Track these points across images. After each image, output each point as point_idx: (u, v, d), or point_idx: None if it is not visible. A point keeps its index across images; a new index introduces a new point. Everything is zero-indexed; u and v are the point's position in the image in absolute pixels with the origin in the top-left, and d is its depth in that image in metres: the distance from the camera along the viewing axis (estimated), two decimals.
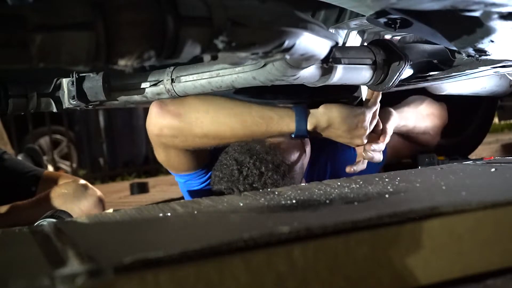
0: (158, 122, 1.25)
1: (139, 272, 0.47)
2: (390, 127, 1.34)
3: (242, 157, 1.27)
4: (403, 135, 1.55)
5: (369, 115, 1.23)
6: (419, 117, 1.52)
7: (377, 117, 1.28)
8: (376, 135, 1.30)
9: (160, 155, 1.38)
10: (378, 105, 1.26)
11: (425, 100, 1.56)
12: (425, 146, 1.60)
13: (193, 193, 1.49)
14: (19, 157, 3.30)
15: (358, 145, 1.27)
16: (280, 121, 1.22)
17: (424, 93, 1.52)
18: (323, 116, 1.21)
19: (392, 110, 1.40)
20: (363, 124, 1.22)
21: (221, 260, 0.50)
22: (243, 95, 1.28)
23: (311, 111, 1.22)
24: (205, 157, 1.40)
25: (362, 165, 1.31)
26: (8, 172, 1.96)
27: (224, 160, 1.30)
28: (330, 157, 1.54)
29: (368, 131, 1.24)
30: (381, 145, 1.29)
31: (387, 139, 1.31)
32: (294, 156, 1.35)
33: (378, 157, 1.29)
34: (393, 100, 1.41)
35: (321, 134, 1.25)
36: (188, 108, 1.22)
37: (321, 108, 1.22)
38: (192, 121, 1.23)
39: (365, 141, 1.26)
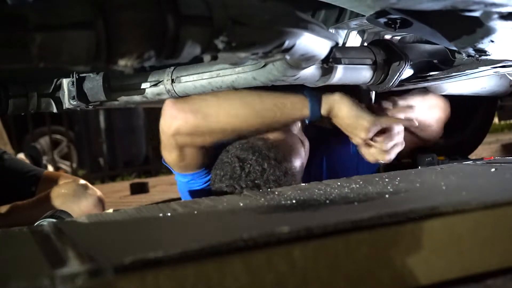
0: (174, 122, 1.24)
1: (139, 272, 0.47)
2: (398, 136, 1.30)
3: (244, 154, 1.27)
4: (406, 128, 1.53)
5: (374, 125, 1.21)
6: (423, 108, 1.51)
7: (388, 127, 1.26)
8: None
9: (172, 157, 1.36)
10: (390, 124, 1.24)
11: (429, 93, 1.55)
12: (428, 141, 1.58)
13: (195, 193, 1.48)
14: (20, 156, 3.30)
15: (356, 144, 1.25)
16: (293, 106, 1.21)
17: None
18: (335, 103, 1.20)
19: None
20: (367, 129, 1.20)
21: (221, 260, 0.50)
22: None
23: (324, 96, 1.21)
24: (210, 155, 1.40)
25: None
26: (8, 172, 1.96)
27: (225, 158, 1.30)
28: (326, 154, 1.54)
29: (370, 135, 1.21)
30: (383, 145, 1.25)
31: (396, 139, 1.27)
32: (295, 153, 1.34)
33: (385, 157, 1.26)
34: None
35: (331, 121, 1.23)
36: (201, 104, 1.22)
37: (336, 95, 1.20)
38: (207, 117, 1.23)
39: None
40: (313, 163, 1.52)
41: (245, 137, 1.34)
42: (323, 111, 1.20)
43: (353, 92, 1.24)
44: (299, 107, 1.20)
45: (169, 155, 1.37)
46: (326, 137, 1.50)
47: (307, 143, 1.42)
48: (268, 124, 1.24)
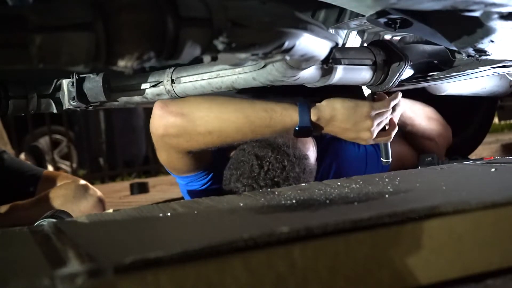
0: (162, 123, 1.24)
1: (139, 272, 0.47)
2: (396, 116, 1.29)
3: (263, 152, 1.25)
4: (408, 140, 1.53)
5: (374, 110, 1.19)
6: (424, 117, 1.50)
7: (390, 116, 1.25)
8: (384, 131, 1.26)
9: (163, 157, 1.37)
10: (387, 108, 1.23)
11: (431, 107, 1.55)
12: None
13: (194, 194, 1.48)
14: (22, 156, 3.30)
15: (366, 139, 1.22)
16: (284, 112, 1.20)
17: (425, 96, 1.51)
18: (326, 108, 1.19)
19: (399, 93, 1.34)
20: (368, 114, 1.18)
21: (221, 260, 0.50)
22: (245, 95, 1.28)
23: (314, 104, 1.21)
24: (207, 158, 1.39)
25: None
26: (7, 172, 1.96)
27: (241, 157, 1.28)
28: (335, 157, 1.53)
29: (375, 124, 1.20)
30: (387, 138, 1.26)
31: (395, 130, 1.27)
32: (310, 149, 1.33)
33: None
34: None
35: (325, 129, 1.22)
36: (190, 107, 1.22)
37: (324, 101, 1.20)
38: (195, 119, 1.22)
39: (375, 134, 1.21)
40: (321, 167, 1.51)
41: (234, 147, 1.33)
42: (313, 116, 1.19)
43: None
44: (289, 113, 1.20)
45: (160, 157, 1.37)
46: (334, 140, 1.49)
47: (314, 143, 1.42)
48: (258, 130, 1.23)
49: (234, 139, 1.25)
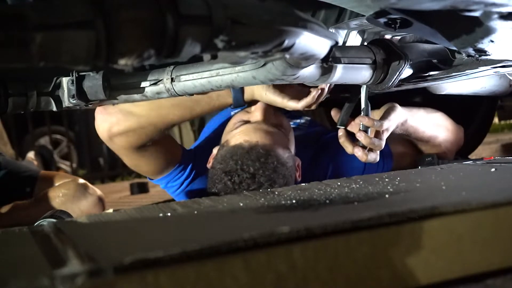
0: (106, 126, 1.29)
1: (139, 272, 0.47)
2: (389, 123, 1.27)
3: (228, 166, 1.24)
4: (411, 143, 1.52)
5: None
6: (428, 123, 1.48)
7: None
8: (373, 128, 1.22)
9: (128, 162, 1.42)
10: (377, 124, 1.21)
11: (439, 113, 1.53)
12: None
13: (181, 196, 1.48)
14: (29, 155, 3.31)
15: (291, 107, 1.23)
16: (219, 97, 1.26)
17: (424, 96, 1.50)
18: (255, 88, 1.25)
19: (396, 104, 1.33)
20: (293, 86, 1.20)
21: (221, 260, 0.50)
22: None
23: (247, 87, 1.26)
24: (175, 154, 1.42)
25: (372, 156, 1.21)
26: (3, 174, 1.96)
27: (214, 177, 1.27)
28: (332, 158, 1.52)
29: (305, 100, 1.20)
30: (375, 141, 1.20)
31: (385, 135, 1.24)
32: (278, 141, 1.30)
33: (372, 157, 1.20)
34: (394, 101, 1.40)
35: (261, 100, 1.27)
36: (131, 106, 1.24)
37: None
38: (135, 114, 1.26)
39: (300, 104, 1.21)
40: (318, 166, 1.50)
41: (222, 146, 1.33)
42: (247, 95, 1.26)
43: None
44: (224, 95, 1.26)
45: (126, 163, 1.43)
46: (333, 142, 1.48)
47: (285, 122, 1.40)
48: (197, 115, 1.33)
49: (178, 123, 1.37)
